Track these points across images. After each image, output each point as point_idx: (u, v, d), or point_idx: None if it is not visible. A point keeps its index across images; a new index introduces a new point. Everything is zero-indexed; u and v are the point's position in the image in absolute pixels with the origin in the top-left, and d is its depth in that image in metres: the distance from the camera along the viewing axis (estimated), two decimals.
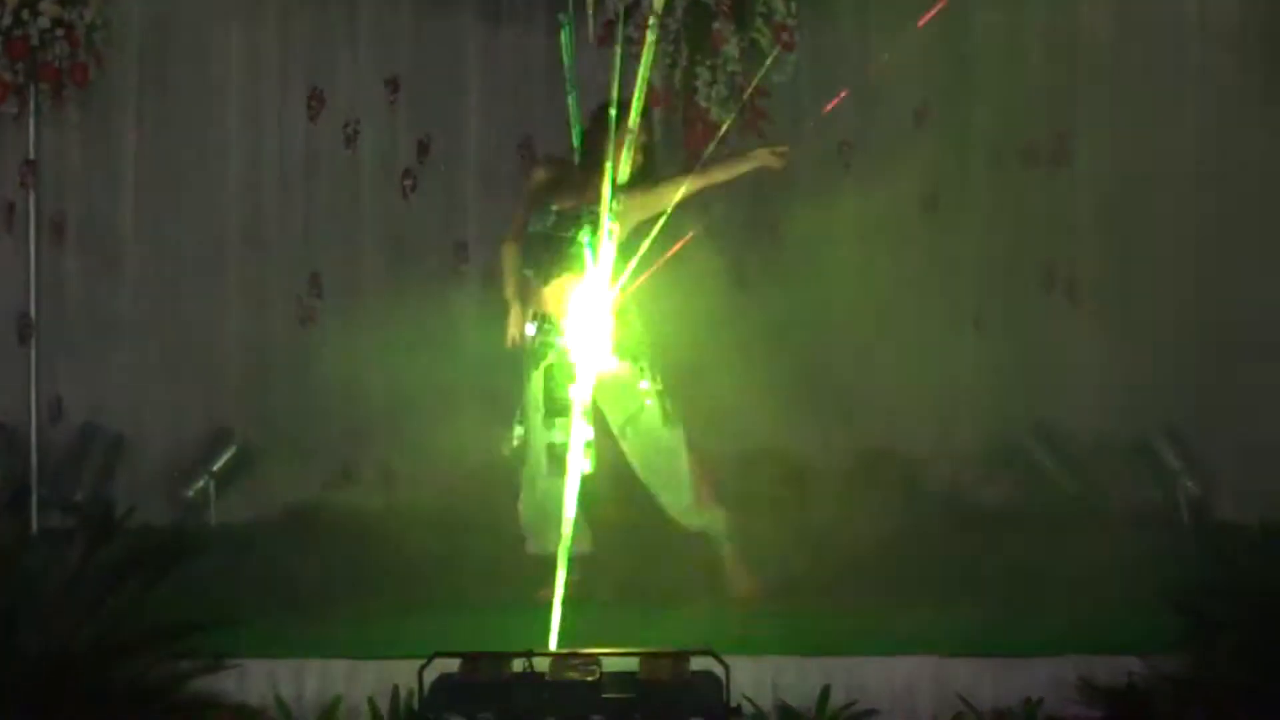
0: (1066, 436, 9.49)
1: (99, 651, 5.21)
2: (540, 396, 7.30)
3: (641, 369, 7.34)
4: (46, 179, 9.37)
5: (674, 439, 7.44)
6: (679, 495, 7.51)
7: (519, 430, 7.47)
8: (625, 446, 7.40)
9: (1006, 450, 9.48)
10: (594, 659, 5.14)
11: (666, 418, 7.37)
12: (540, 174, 7.56)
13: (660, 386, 7.37)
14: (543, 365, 7.29)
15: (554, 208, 7.32)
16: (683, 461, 7.46)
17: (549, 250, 7.30)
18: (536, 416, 7.35)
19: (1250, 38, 9.39)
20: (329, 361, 9.51)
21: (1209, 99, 9.45)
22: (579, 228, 7.20)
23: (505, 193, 9.26)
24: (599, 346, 6.96)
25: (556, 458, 7.11)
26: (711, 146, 7.44)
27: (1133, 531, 8.64)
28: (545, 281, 7.32)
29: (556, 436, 7.16)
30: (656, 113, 8.37)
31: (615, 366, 7.17)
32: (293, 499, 9.32)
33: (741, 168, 7.44)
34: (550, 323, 7.29)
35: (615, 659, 5.19)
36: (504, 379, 7.68)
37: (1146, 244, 9.49)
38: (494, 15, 9.63)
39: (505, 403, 7.66)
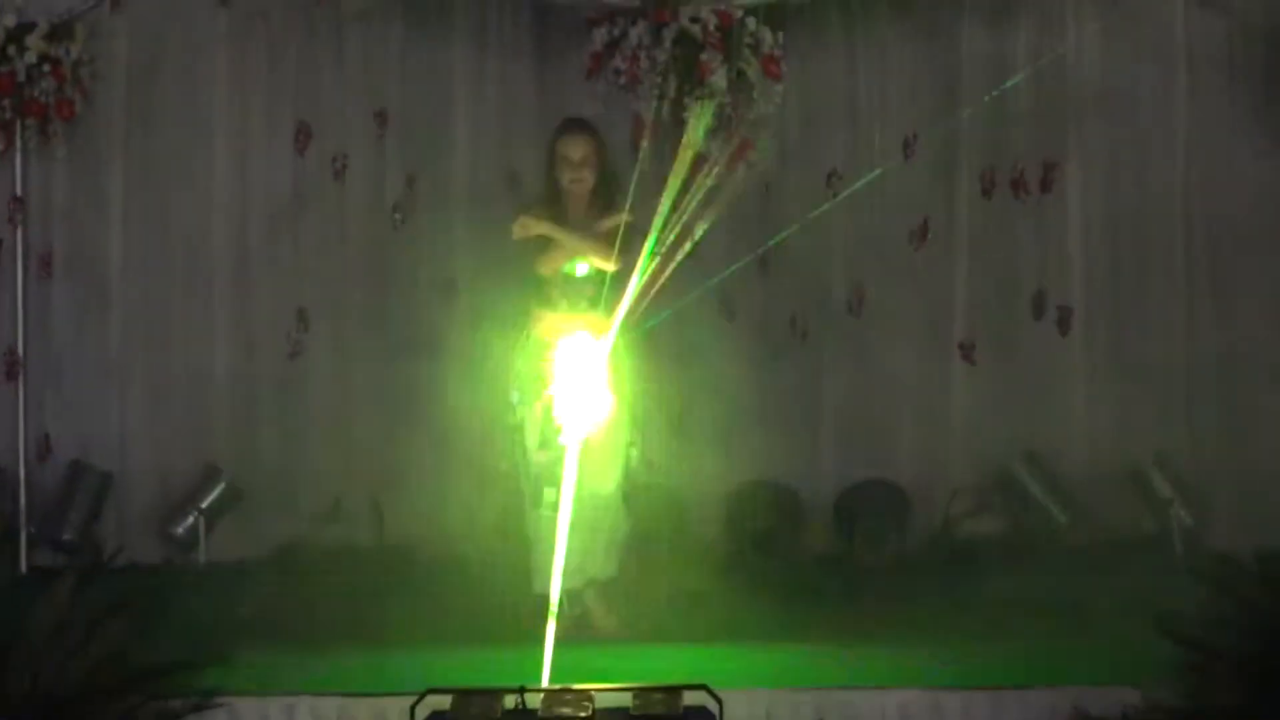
0: (1058, 466, 9.46)
1: (88, 691, 5.18)
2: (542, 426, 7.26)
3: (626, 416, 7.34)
4: (34, 215, 9.34)
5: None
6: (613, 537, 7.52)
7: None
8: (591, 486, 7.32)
9: (998, 480, 9.44)
10: (587, 694, 5.11)
11: (650, 467, 7.37)
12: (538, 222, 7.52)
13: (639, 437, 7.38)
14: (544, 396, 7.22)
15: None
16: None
17: (579, 291, 7.33)
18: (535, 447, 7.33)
19: (1239, 65, 9.39)
20: (318, 397, 9.48)
21: (1199, 127, 9.44)
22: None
23: (494, 226, 9.23)
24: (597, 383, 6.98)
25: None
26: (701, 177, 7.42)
27: (1126, 561, 8.61)
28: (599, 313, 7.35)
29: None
30: (644, 144, 8.38)
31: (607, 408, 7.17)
32: (283, 535, 9.26)
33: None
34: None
35: (609, 694, 5.16)
36: (494, 413, 7.65)
37: (1137, 273, 9.49)
38: (482, 47, 9.58)
39: (496, 438, 7.64)
